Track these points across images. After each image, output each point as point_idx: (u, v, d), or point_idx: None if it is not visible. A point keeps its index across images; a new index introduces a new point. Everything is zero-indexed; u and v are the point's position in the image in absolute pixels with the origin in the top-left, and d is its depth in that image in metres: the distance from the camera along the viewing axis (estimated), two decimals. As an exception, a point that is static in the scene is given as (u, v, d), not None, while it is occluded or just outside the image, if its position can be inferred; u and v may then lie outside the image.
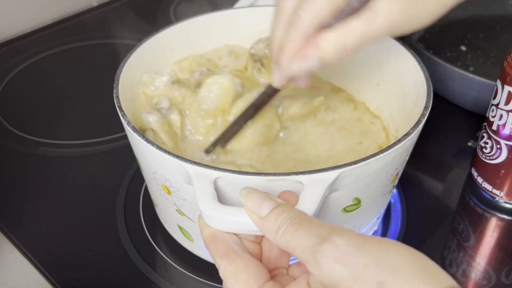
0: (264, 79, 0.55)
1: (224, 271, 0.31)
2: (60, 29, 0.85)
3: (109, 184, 0.57)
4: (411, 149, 0.44)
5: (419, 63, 0.48)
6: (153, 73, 0.51)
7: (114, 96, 0.44)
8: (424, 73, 0.47)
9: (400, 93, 0.50)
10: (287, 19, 0.38)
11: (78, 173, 0.59)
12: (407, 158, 0.44)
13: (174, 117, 0.49)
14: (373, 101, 0.55)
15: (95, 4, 0.91)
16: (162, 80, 0.50)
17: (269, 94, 0.45)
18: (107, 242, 0.51)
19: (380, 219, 0.52)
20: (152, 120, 0.47)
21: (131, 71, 0.48)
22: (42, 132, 0.64)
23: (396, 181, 0.46)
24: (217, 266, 0.32)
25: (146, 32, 0.52)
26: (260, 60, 0.55)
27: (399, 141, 0.39)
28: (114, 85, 0.45)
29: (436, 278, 0.26)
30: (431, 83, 0.45)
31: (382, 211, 0.49)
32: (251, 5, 0.64)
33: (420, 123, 0.41)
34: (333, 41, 0.36)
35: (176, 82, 0.51)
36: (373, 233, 0.51)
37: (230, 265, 0.31)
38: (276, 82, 0.42)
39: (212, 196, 0.35)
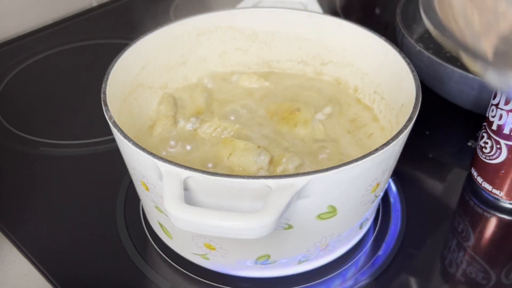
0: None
1: None
2: (60, 29, 0.85)
3: (109, 184, 0.57)
4: (392, 160, 0.42)
5: (404, 58, 0.48)
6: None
7: (102, 101, 0.43)
8: (414, 75, 0.45)
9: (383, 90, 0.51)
10: None
11: (78, 173, 0.59)
12: (392, 167, 0.43)
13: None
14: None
15: (95, 4, 0.91)
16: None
17: None
18: (107, 242, 0.51)
19: (365, 229, 0.50)
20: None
21: (118, 76, 0.48)
22: (43, 132, 0.64)
23: (379, 192, 0.44)
24: None
25: (146, 32, 0.52)
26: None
27: (376, 150, 0.38)
28: (101, 93, 0.44)
29: None
30: (420, 93, 0.43)
31: (363, 219, 0.47)
32: (255, 6, 0.62)
33: (402, 132, 0.39)
34: None
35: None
36: (364, 239, 0.51)
37: None
38: None
39: (178, 196, 0.34)
